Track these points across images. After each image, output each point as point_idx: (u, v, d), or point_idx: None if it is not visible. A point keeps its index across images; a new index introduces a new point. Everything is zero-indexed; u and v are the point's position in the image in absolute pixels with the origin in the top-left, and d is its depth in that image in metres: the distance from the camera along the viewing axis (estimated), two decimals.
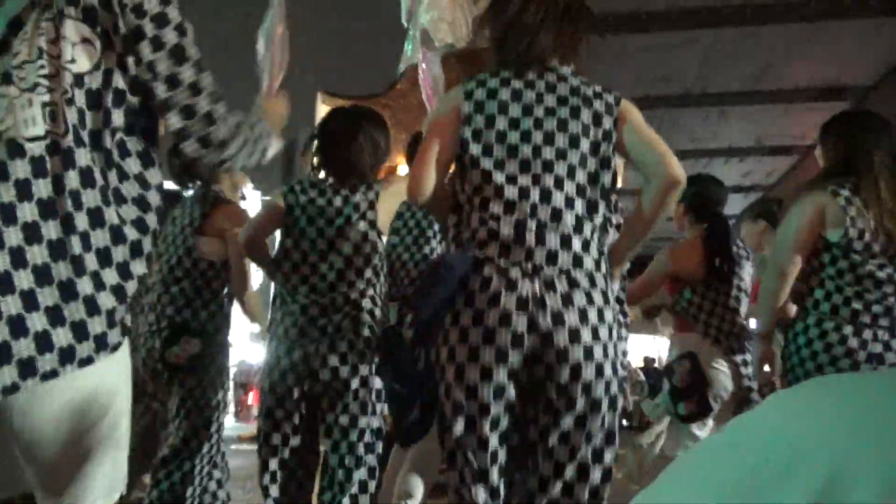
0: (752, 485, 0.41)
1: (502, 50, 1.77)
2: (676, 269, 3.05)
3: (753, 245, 3.62)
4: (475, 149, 1.67)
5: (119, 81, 1.25)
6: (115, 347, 1.23)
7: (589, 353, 1.57)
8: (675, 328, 3.24)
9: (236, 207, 2.77)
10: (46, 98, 1.17)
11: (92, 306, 1.18)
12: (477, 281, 1.60)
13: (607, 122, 1.68)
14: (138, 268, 1.26)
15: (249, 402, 16.39)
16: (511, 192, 1.63)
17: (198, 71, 1.29)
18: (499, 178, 1.64)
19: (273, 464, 2.28)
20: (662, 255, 3.11)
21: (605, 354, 1.60)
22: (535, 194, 1.62)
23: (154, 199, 1.28)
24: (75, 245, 1.17)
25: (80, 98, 1.20)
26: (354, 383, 2.21)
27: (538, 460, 1.63)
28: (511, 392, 1.61)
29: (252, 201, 3.41)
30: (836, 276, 2.19)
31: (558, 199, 1.62)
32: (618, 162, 1.77)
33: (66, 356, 1.16)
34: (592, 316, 1.59)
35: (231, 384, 17.63)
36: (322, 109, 5.41)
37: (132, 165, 1.26)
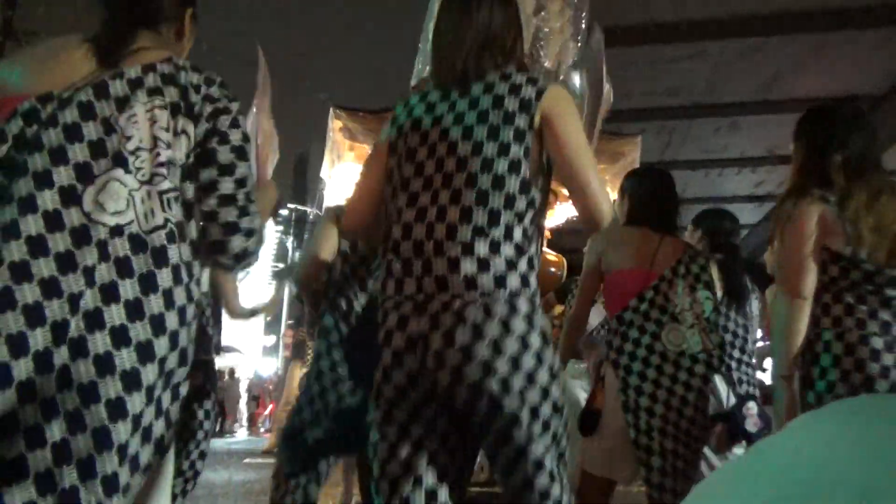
0: None
1: (434, 71, 1.65)
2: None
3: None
4: (394, 174, 1.56)
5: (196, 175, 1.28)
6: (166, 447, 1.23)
7: (478, 390, 1.39)
8: None
9: None
10: (164, 187, 1.19)
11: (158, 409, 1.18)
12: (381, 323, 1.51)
13: (521, 120, 1.47)
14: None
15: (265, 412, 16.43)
16: (409, 215, 1.49)
17: (247, 168, 1.32)
18: (400, 201, 1.52)
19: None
20: None
21: (506, 388, 1.39)
22: (432, 213, 1.46)
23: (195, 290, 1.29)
24: (185, 335, 1.21)
25: (188, 191, 1.24)
26: None
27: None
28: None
29: None
30: (851, 287, 1.97)
31: (452, 213, 1.44)
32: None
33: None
34: (482, 350, 1.39)
35: (245, 396, 17.57)
36: (335, 125, 5.46)
37: (196, 262, 1.29)
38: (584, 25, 4.09)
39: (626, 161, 4.57)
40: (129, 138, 1.18)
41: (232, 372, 16.51)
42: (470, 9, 1.60)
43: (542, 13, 4.13)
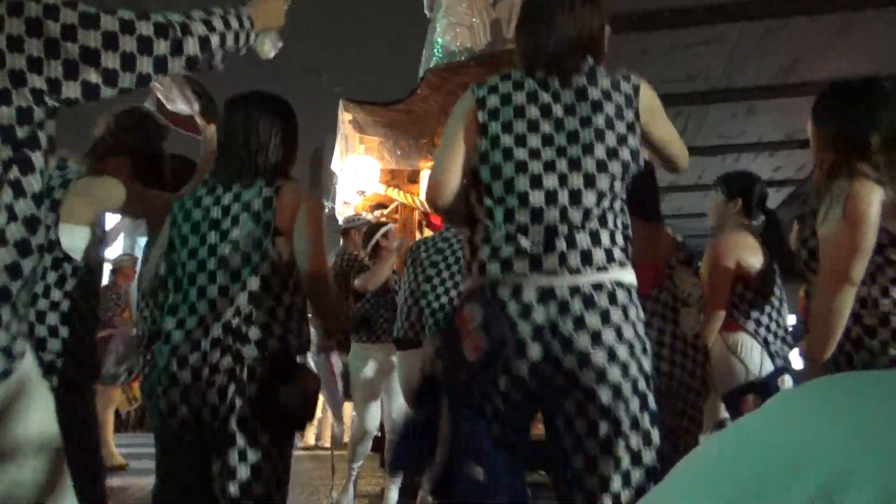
0: (755, 489, 0.41)
1: (528, 62, 1.76)
2: (740, 265, 2.95)
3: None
4: (496, 157, 1.63)
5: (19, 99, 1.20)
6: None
7: (602, 375, 1.53)
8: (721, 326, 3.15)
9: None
10: None
11: None
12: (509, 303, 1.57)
13: (629, 114, 1.67)
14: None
15: None
16: (538, 198, 1.59)
17: (111, 20, 1.24)
18: (521, 185, 1.60)
19: None
20: (719, 255, 2.96)
21: (626, 374, 1.54)
22: (563, 196, 1.58)
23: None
24: None
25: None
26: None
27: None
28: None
29: None
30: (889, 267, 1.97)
31: (590, 198, 1.58)
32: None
33: None
34: (609, 336, 1.55)
35: None
36: (345, 117, 5.43)
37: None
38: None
39: None
40: None
41: None
42: (571, 4, 1.74)
43: None
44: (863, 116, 2.03)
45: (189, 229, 2.00)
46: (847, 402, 0.45)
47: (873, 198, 1.92)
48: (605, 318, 1.52)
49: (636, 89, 1.68)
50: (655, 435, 1.56)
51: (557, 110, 1.61)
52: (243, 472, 1.87)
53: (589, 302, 1.52)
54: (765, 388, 2.81)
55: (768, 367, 2.92)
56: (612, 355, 1.52)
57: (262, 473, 1.89)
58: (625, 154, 1.62)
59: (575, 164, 1.57)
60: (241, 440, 1.87)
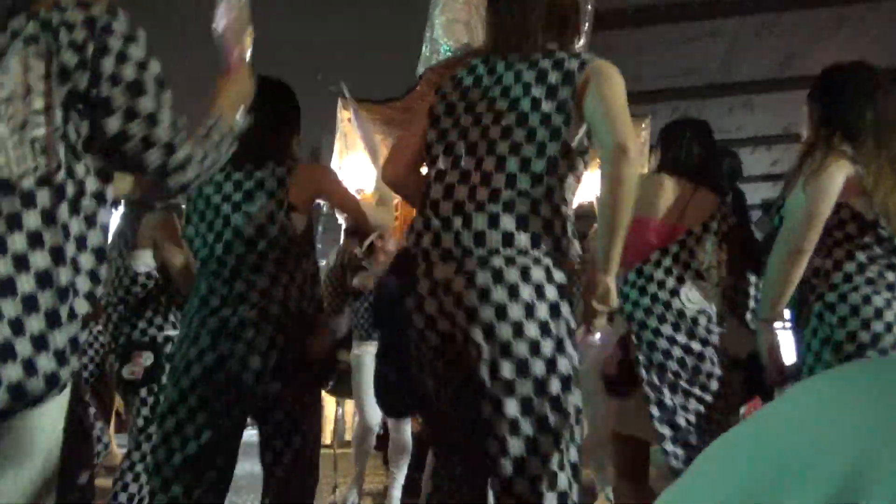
0: (771, 484, 0.40)
1: (488, 42, 1.82)
2: None
3: None
4: (432, 135, 1.72)
5: (77, 120, 1.26)
6: (64, 386, 1.21)
7: (490, 331, 1.50)
8: None
9: (162, 216, 2.76)
10: (36, 133, 1.19)
11: (42, 344, 1.17)
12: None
13: (563, 93, 1.59)
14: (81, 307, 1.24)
15: None
16: (452, 176, 1.64)
17: (157, 104, 1.29)
18: (444, 162, 1.67)
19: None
20: None
21: (519, 333, 1.49)
22: (475, 177, 1.61)
23: (95, 239, 1.28)
24: (63, 275, 1.19)
25: (71, 133, 1.23)
26: None
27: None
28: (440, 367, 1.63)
29: None
30: (865, 247, 2.01)
31: (498, 180, 1.58)
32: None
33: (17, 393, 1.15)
34: (514, 309, 1.51)
35: None
36: (343, 115, 5.43)
37: (90, 206, 1.27)
38: (590, 7, 4.02)
39: (636, 143, 4.51)
40: (1, 87, 1.19)
41: None
42: None
43: None
44: (853, 98, 2.08)
45: (203, 204, 2.13)
46: (869, 389, 0.43)
47: (836, 172, 1.98)
48: (498, 276, 1.51)
49: (581, 65, 1.60)
50: (563, 400, 1.51)
51: (494, 91, 1.65)
52: (287, 424, 2.08)
53: (483, 262, 1.54)
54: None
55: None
56: (501, 313, 1.50)
57: (300, 426, 2.11)
58: (542, 135, 1.57)
59: (491, 147, 1.60)
60: (276, 389, 2.02)
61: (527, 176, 1.57)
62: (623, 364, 2.37)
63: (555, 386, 1.51)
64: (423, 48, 3.47)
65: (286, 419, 2.09)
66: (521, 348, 1.49)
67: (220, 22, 1.62)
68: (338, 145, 5.63)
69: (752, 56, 4.79)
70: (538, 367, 1.50)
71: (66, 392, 1.27)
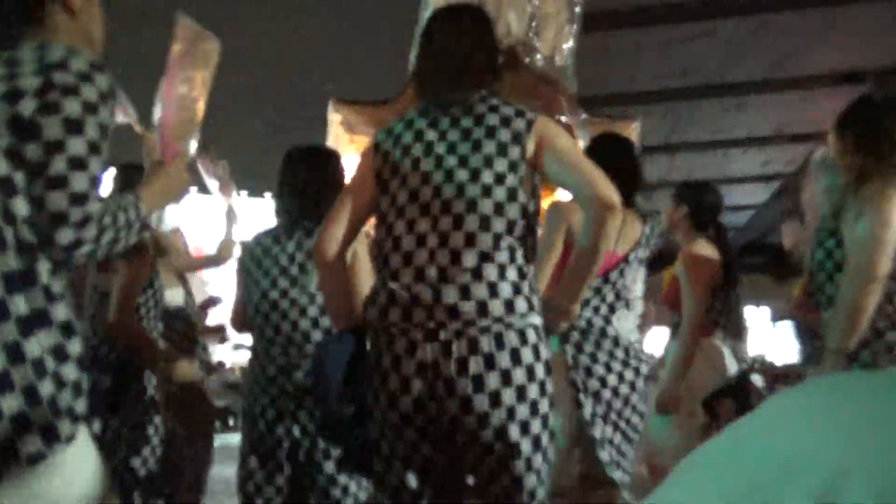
0: (755, 490, 0.41)
1: (419, 91, 1.68)
2: (710, 278, 2.94)
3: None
4: (384, 203, 1.58)
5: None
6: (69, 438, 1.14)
7: (484, 420, 1.46)
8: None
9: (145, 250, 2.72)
10: None
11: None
12: (383, 349, 1.53)
13: (514, 152, 1.53)
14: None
15: None
16: (409, 243, 1.51)
17: (68, 167, 1.16)
18: (399, 229, 1.53)
19: None
20: (690, 282, 2.94)
21: (511, 417, 1.46)
22: (432, 240, 1.49)
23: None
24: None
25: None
26: None
27: None
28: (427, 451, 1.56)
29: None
30: None
31: (457, 239, 1.48)
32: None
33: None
34: (492, 381, 1.46)
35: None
36: (335, 118, 5.40)
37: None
38: (578, 9, 4.00)
39: None
40: None
41: (243, 368, 16.56)
42: (458, 32, 1.63)
43: (536, 0, 4.03)
44: (892, 123, 2.13)
45: (261, 275, 2.22)
46: (841, 403, 0.45)
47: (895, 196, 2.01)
48: (490, 362, 1.45)
49: (529, 125, 1.54)
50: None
51: (440, 148, 1.54)
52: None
53: (473, 346, 1.45)
54: (739, 389, 2.87)
55: (734, 370, 2.98)
56: (494, 400, 1.45)
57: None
58: (499, 194, 1.50)
59: (446, 206, 1.50)
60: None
61: (488, 236, 1.49)
62: None
63: (545, 438, 1.53)
64: (414, 50, 3.44)
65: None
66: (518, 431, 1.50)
67: (157, 113, 1.59)
68: (330, 144, 5.61)
69: (746, 57, 4.80)
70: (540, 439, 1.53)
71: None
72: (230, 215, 3.36)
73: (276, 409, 2.12)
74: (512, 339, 1.47)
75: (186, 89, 1.60)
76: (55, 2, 1.28)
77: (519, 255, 1.53)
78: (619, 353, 2.28)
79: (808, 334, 3.51)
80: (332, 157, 2.39)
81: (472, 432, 1.46)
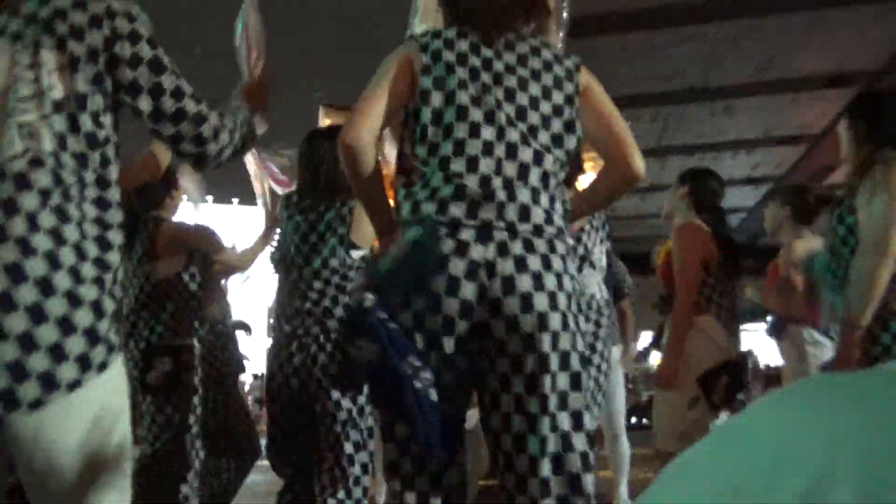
0: (740, 491, 0.42)
1: (467, 20, 1.63)
2: (704, 255, 2.99)
3: (773, 228, 3.55)
4: (437, 99, 1.54)
5: (95, 105, 1.27)
6: (102, 367, 1.21)
7: (543, 320, 1.43)
8: None
9: (172, 224, 2.94)
10: (23, 119, 1.20)
11: (67, 327, 1.17)
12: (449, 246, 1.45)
13: (569, 87, 1.59)
14: (109, 284, 1.25)
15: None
16: (474, 147, 1.50)
17: (176, 77, 1.34)
18: (461, 131, 1.51)
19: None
20: (681, 249, 3.00)
21: (565, 325, 1.45)
22: (500, 149, 1.50)
23: (115, 216, 1.30)
24: (67, 256, 1.19)
25: (59, 123, 1.23)
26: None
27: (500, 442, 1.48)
28: (462, 362, 1.48)
29: (208, 213, 3.64)
30: None
31: (526, 154, 1.51)
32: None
33: (47, 383, 1.15)
34: (549, 282, 1.45)
35: (250, 399, 17.64)
36: (325, 123, 5.41)
37: (95, 189, 1.28)
38: (565, 14, 4.03)
39: None
40: None
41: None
42: None
43: None
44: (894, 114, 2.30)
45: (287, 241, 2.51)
46: (827, 404, 0.46)
47: None
48: (547, 263, 1.46)
49: (577, 66, 1.62)
50: (585, 418, 1.48)
51: (498, 66, 1.56)
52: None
53: (529, 245, 1.46)
54: (736, 367, 2.89)
55: (732, 348, 3.00)
56: (553, 302, 1.44)
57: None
58: (556, 125, 1.56)
59: (510, 121, 1.52)
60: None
61: (551, 158, 1.54)
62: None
63: (584, 378, 1.51)
64: (412, 20, 3.46)
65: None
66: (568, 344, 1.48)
67: (238, 40, 1.88)
68: None
69: (732, 60, 4.84)
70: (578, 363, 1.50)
71: (115, 375, 1.26)
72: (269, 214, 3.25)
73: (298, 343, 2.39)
74: (560, 248, 1.51)
75: (256, 16, 1.95)
76: None
77: (561, 187, 1.60)
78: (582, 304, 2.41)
79: (781, 323, 3.53)
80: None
81: (530, 334, 1.43)
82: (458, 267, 1.44)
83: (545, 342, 1.43)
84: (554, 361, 1.44)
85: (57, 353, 1.16)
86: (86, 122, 1.25)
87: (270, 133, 2.23)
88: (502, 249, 1.45)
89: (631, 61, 4.67)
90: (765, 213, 3.77)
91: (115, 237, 1.28)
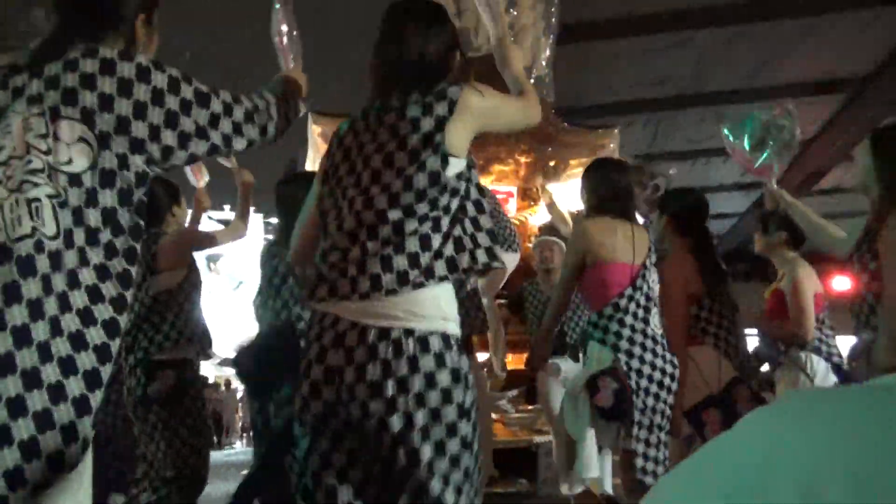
0: (732, 498, 0.42)
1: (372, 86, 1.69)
2: (688, 288, 2.95)
3: (765, 252, 3.56)
4: (326, 202, 1.62)
5: (120, 180, 1.22)
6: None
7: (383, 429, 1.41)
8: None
9: (171, 238, 2.92)
10: (32, 195, 1.14)
11: (45, 420, 1.11)
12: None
13: (427, 122, 1.52)
14: (104, 375, 1.18)
15: None
16: (334, 226, 1.57)
17: (215, 95, 1.36)
18: (331, 225, 1.57)
19: None
20: (664, 285, 2.97)
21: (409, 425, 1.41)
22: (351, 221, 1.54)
23: (129, 295, 1.24)
24: (61, 347, 1.13)
25: (75, 198, 1.17)
26: None
27: None
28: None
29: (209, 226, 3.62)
30: None
31: (369, 217, 1.51)
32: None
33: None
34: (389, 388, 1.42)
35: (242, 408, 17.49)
36: (314, 129, 5.40)
37: (117, 265, 1.23)
38: (555, 20, 4.03)
39: (605, 153, 4.50)
40: (1, 149, 1.15)
41: (228, 383, 16.35)
42: (403, 37, 1.62)
43: (513, 10, 4.05)
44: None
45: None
46: (816, 414, 0.46)
47: None
48: (387, 370, 1.42)
49: (451, 103, 1.53)
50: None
51: (368, 149, 1.57)
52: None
53: (374, 349, 1.44)
54: (722, 400, 2.84)
55: (724, 379, 2.95)
56: (391, 406, 1.41)
57: None
58: (412, 172, 1.50)
59: (364, 191, 1.53)
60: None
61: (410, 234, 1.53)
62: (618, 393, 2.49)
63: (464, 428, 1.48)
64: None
65: None
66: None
67: (275, 31, 1.95)
68: (311, 162, 5.62)
69: (723, 66, 4.85)
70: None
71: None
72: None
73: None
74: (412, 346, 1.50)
75: (290, 16, 1.99)
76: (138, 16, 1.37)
77: (443, 245, 1.55)
78: (660, 350, 2.50)
79: (774, 344, 3.52)
80: None
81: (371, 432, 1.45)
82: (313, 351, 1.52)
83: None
84: None
85: (57, 460, 1.10)
86: (106, 197, 1.20)
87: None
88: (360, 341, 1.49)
89: (621, 67, 4.68)
90: (756, 238, 3.75)
91: (122, 318, 1.21)
